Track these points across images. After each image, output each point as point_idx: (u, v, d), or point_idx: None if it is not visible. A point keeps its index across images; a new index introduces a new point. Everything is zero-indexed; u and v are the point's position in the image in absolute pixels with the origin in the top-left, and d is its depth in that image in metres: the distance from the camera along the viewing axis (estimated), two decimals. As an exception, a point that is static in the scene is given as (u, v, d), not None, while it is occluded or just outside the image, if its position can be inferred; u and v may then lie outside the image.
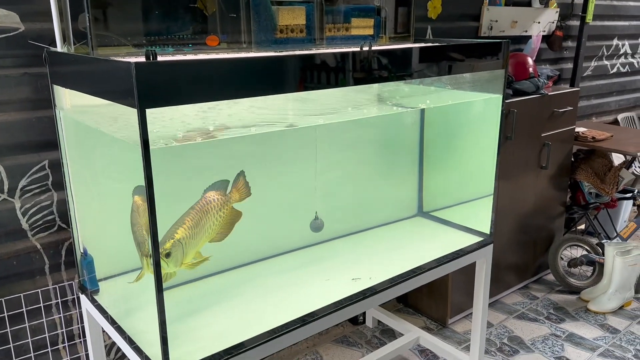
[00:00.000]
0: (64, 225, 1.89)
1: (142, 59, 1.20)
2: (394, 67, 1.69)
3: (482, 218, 2.20)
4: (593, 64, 4.00)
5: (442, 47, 1.81)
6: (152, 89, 1.18)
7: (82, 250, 1.76)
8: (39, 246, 1.86)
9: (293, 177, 1.96)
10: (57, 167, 1.83)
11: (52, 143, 1.80)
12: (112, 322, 1.60)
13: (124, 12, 1.59)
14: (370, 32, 2.09)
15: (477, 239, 2.18)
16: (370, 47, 1.66)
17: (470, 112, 2.23)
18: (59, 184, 1.85)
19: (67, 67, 1.51)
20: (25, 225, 1.82)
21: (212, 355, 1.43)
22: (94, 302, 1.74)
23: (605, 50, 4.06)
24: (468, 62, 1.91)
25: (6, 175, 1.75)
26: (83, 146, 1.65)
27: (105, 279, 1.77)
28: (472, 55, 1.91)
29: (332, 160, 2.06)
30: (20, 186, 1.78)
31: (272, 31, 1.83)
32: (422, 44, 1.94)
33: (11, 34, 1.67)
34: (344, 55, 1.55)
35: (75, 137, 1.65)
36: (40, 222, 1.85)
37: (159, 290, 1.29)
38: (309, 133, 1.84)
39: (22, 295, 1.84)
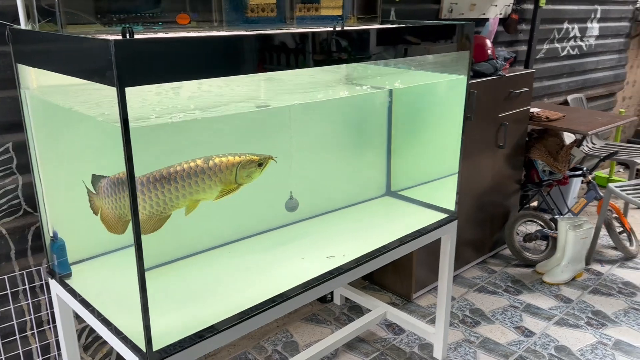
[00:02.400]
0: (30, 210, 1.85)
1: (117, 37, 1.18)
2: (367, 48, 1.72)
3: (446, 196, 2.27)
4: (545, 46, 4.15)
5: (413, 28, 1.85)
6: (131, 67, 1.16)
7: (51, 234, 1.72)
8: (4, 231, 1.81)
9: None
10: (21, 149, 1.78)
11: (15, 124, 1.74)
12: (87, 305, 1.58)
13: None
14: (339, 12, 2.11)
15: (442, 215, 2.25)
16: (342, 27, 1.68)
17: (435, 93, 2.29)
18: (24, 167, 1.79)
19: (36, 45, 1.46)
20: (-11, 210, 1.76)
21: (185, 339, 1.44)
22: (65, 286, 1.71)
23: (556, 34, 4.22)
24: (436, 43, 1.96)
25: (-32, 159, 1.69)
26: (52, 126, 1.61)
27: (78, 262, 1.74)
28: (440, 36, 1.96)
29: (304, 140, 2.08)
30: (-17, 170, 1.72)
31: (243, 10, 1.82)
32: (392, 25, 1.97)
33: (-30, 10, 1.60)
34: (322, 34, 1.57)
35: (43, 117, 1.61)
36: (5, 206, 1.79)
37: (141, 264, 1.29)
38: (282, 113, 1.85)
39: (-13, 282, 1.79)
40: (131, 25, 1.63)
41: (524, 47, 3.89)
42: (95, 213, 1.58)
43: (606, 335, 2.67)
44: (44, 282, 1.93)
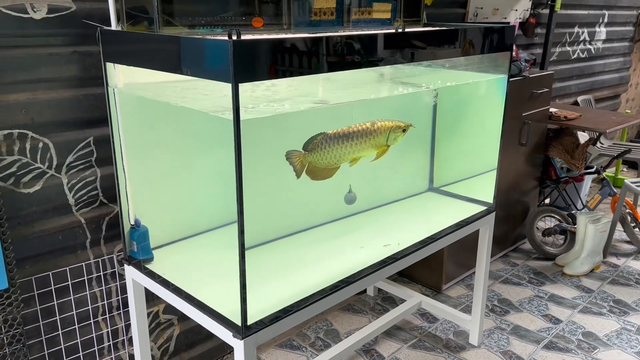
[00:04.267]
0: (105, 201, 1.96)
1: (222, 37, 1.30)
2: (427, 48, 1.85)
3: (484, 190, 2.41)
4: (558, 49, 4.32)
5: (466, 30, 1.98)
6: (245, 65, 1.28)
7: (133, 222, 1.83)
8: (82, 221, 1.92)
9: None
10: (101, 143, 1.89)
11: (97, 120, 1.85)
12: (174, 289, 1.70)
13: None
14: (388, 15, 2.25)
15: (480, 208, 2.39)
16: (404, 29, 1.81)
17: (475, 92, 2.42)
18: (103, 160, 1.90)
19: (135, 45, 1.58)
20: (71, 201, 1.87)
21: (272, 314, 1.56)
22: (142, 270, 1.82)
23: (568, 37, 4.39)
24: (483, 44, 2.09)
25: (55, 152, 1.79)
26: (142, 120, 1.72)
27: (159, 247, 1.86)
28: (486, 38, 2.10)
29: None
30: (67, 162, 1.83)
31: (308, 13, 1.95)
32: (448, 27, 2.11)
33: (63, 13, 1.71)
34: (424, 34, 1.69)
35: (133, 111, 1.72)
36: (85, 197, 1.90)
37: (242, 247, 1.41)
38: (344, 110, 1.98)
39: (67, 269, 1.90)
40: (211, 28, 1.75)
41: (539, 50, 4.05)
42: (299, 175, 1.74)
43: (629, 322, 2.82)
44: (116, 270, 2.04)
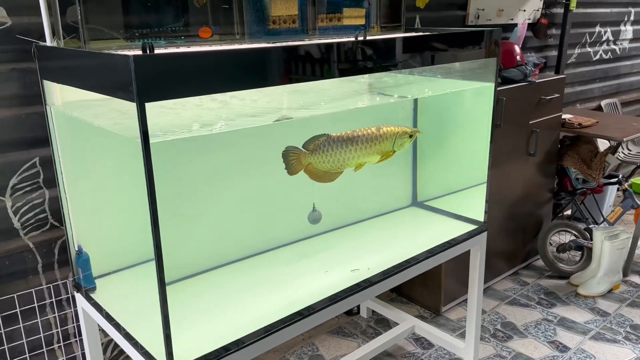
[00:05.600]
0: (56, 223, 1.86)
1: (137, 52, 1.17)
2: (393, 57, 1.68)
3: (475, 206, 2.21)
4: (577, 51, 4.04)
5: (439, 36, 1.81)
6: (151, 83, 1.15)
7: (76, 248, 1.73)
8: (31, 245, 1.83)
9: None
10: (48, 164, 1.80)
11: (42, 139, 1.76)
12: (110, 319, 1.58)
13: (113, 5, 1.56)
14: (362, 22, 2.08)
15: (471, 227, 2.19)
16: (365, 36, 1.65)
17: (461, 100, 2.23)
18: (51, 181, 1.81)
19: (59, 61, 1.48)
20: (17, 225, 1.78)
21: (210, 353, 1.42)
22: (89, 299, 1.72)
23: (588, 38, 4.11)
24: (464, 50, 1.91)
25: (-4, 174, 1.71)
26: (77, 142, 1.62)
27: (102, 276, 1.75)
28: (467, 43, 1.91)
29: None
30: (10, 184, 1.75)
31: (265, 22, 1.81)
32: (415, 34, 1.94)
33: (-2, 28, 1.63)
34: (346, 44, 1.54)
35: (69, 132, 1.62)
36: (32, 220, 1.81)
37: (162, 283, 1.28)
38: (307, 124, 1.83)
39: (15, 295, 1.81)
40: (153, 39, 1.63)
41: (554, 52, 3.80)
42: (293, 173, 1.69)
43: (646, 350, 2.55)
44: (70, 295, 1.94)
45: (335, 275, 1.81)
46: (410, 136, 1.80)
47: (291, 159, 1.67)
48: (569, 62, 3.98)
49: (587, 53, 4.16)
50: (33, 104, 1.73)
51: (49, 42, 1.58)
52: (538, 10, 3.45)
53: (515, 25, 3.31)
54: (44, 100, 1.64)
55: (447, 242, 2.07)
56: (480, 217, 2.20)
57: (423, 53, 1.79)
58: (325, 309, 1.66)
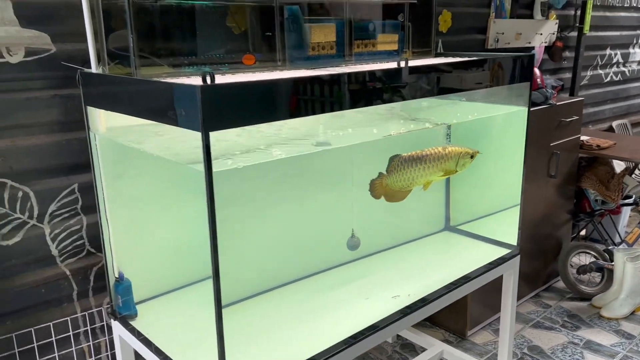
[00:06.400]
0: (92, 250, 1.84)
1: (192, 80, 1.17)
2: (433, 83, 1.69)
3: (507, 229, 2.21)
4: (589, 73, 4.09)
5: (476, 62, 1.82)
6: (216, 112, 1.15)
7: (117, 275, 1.70)
8: (67, 272, 1.80)
9: (328, 196, 1.94)
10: (86, 190, 1.78)
11: (81, 166, 1.75)
12: (150, 345, 1.55)
13: (160, 33, 1.57)
14: (395, 47, 2.10)
15: (503, 250, 2.18)
16: (406, 64, 1.66)
17: (492, 124, 2.24)
18: (89, 208, 1.80)
19: (109, 88, 1.47)
20: (54, 252, 1.76)
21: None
22: (127, 326, 1.69)
23: (599, 60, 4.15)
24: (498, 75, 1.92)
25: (36, 201, 1.69)
26: (122, 167, 1.61)
27: (142, 302, 1.73)
28: (501, 68, 1.92)
29: (363, 178, 2.05)
30: (49, 211, 1.73)
31: (305, 49, 1.82)
32: (456, 59, 1.95)
33: (42, 55, 1.62)
34: (395, 71, 1.55)
35: (113, 158, 1.61)
36: (70, 247, 1.79)
37: (218, 304, 1.26)
38: (345, 152, 1.83)
39: (51, 324, 1.78)
40: (198, 67, 1.64)
41: (568, 75, 3.83)
42: (377, 197, 1.79)
43: (677, 374, 2.53)
44: (104, 323, 1.91)
45: (376, 302, 1.79)
46: (472, 157, 1.86)
47: (375, 184, 1.77)
48: (581, 83, 4.02)
49: (599, 75, 4.21)
50: (73, 130, 1.72)
51: (94, 68, 1.57)
52: (553, 33, 3.49)
53: (532, 48, 3.35)
54: (87, 126, 1.63)
55: (482, 267, 2.05)
56: (513, 241, 2.20)
57: (462, 77, 1.80)
58: (370, 336, 1.64)
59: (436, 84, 1.71)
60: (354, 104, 1.44)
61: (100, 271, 1.87)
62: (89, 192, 1.78)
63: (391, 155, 1.78)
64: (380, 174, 1.77)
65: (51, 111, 1.67)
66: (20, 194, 1.66)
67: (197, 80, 1.32)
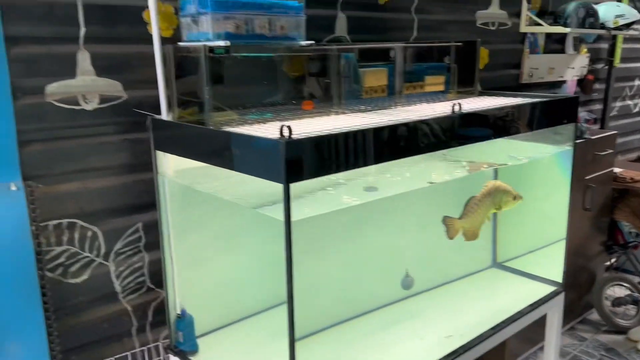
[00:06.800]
0: (152, 286, 1.90)
1: (265, 129, 1.23)
2: (487, 126, 1.75)
3: (552, 265, 2.24)
4: (618, 104, 4.12)
5: (527, 105, 1.88)
6: (297, 165, 1.22)
7: (179, 312, 1.76)
8: (129, 308, 1.86)
9: (380, 237, 1.99)
10: (149, 228, 1.85)
11: (146, 205, 1.82)
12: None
13: (227, 82, 1.64)
14: (442, 88, 2.16)
15: (548, 288, 2.21)
16: (460, 108, 1.72)
17: (537, 164, 2.28)
18: (150, 245, 1.86)
19: (183, 136, 1.54)
20: (118, 288, 1.82)
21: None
22: (186, 361, 1.74)
23: (628, 91, 4.19)
24: (546, 117, 1.97)
25: (103, 239, 1.76)
26: (189, 208, 1.68)
27: (202, 335, 1.78)
28: (549, 110, 1.98)
29: (415, 220, 2.10)
30: (115, 249, 1.79)
31: (359, 92, 1.89)
32: (503, 99, 2.01)
33: (114, 102, 1.71)
34: (482, 115, 1.62)
35: (180, 199, 1.68)
36: (132, 284, 1.85)
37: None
38: (399, 198, 1.88)
39: (113, 359, 1.83)
40: (261, 112, 1.71)
41: (599, 106, 3.87)
42: (452, 237, 1.88)
43: None
44: (161, 357, 1.96)
45: (429, 341, 1.82)
46: (514, 198, 1.96)
47: (448, 224, 1.87)
48: (611, 115, 4.06)
49: (627, 106, 4.24)
50: (139, 172, 1.79)
51: (164, 114, 1.65)
52: (585, 67, 3.54)
53: (565, 81, 3.40)
54: (155, 169, 1.70)
55: (528, 306, 2.08)
56: (557, 277, 2.22)
57: (513, 121, 1.86)
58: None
59: (492, 127, 1.77)
60: (423, 150, 1.50)
61: (158, 306, 1.93)
62: (152, 230, 1.85)
63: (463, 198, 1.88)
64: (451, 218, 1.86)
65: (120, 154, 1.75)
66: (89, 233, 1.73)
67: (271, 130, 1.39)
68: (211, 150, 1.44)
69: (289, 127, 1.26)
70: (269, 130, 1.45)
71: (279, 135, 1.24)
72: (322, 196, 1.57)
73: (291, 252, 1.26)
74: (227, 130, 1.44)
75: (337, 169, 1.30)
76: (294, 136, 1.23)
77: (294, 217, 1.29)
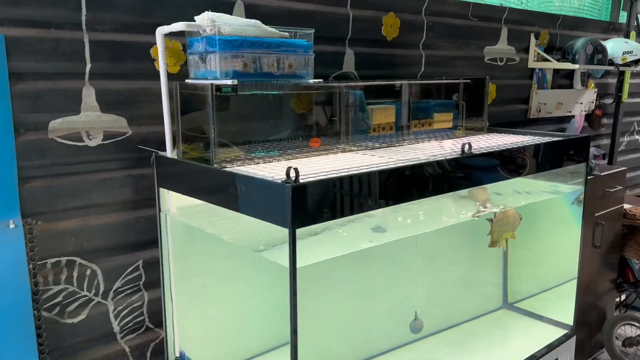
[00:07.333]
0: (151, 326, 1.84)
1: (271, 170, 1.20)
2: (498, 167, 1.71)
3: (563, 306, 2.18)
4: (626, 139, 4.09)
5: (538, 146, 1.84)
6: (304, 209, 1.18)
7: (178, 354, 1.70)
8: (127, 349, 1.80)
9: (391, 280, 1.94)
10: (150, 266, 1.80)
11: (147, 243, 1.78)
12: None
13: (233, 119, 1.62)
14: (450, 125, 2.13)
15: (560, 331, 2.15)
16: (470, 147, 1.69)
17: (549, 203, 2.24)
18: (150, 284, 1.81)
19: (189, 174, 1.51)
20: (116, 328, 1.77)
21: None
22: (186, 409, 1.68)
23: (635, 126, 4.16)
24: (557, 157, 1.94)
25: (102, 278, 1.72)
26: (192, 247, 1.64)
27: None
28: (560, 150, 1.94)
29: (423, 261, 2.05)
30: (114, 288, 1.75)
31: (367, 130, 1.86)
32: (512, 137, 1.98)
33: (119, 138, 1.68)
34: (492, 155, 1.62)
35: (183, 238, 1.64)
36: (131, 323, 1.80)
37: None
38: (406, 242, 1.84)
39: (110, 402, 1.77)
40: (267, 150, 1.68)
41: (606, 141, 3.84)
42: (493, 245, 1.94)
43: None
44: (159, 400, 1.89)
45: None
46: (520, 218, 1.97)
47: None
48: (619, 150, 4.02)
49: (635, 141, 4.20)
50: (141, 208, 1.76)
51: (169, 151, 1.62)
52: (593, 102, 3.52)
53: (573, 117, 3.38)
54: (158, 207, 1.67)
55: (539, 350, 2.01)
56: (569, 320, 2.16)
57: (523, 161, 1.82)
58: None
59: (502, 168, 1.73)
60: (432, 193, 1.46)
61: (156, 347, 1.87)
62: (152, 268, 1.80)
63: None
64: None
65: (123, 190, 1.71)
66: (88, 271, 1.69)
67: (277, 170, 1.36)
68: (215, 190, 1.41)
69: (295, 170, 1.23)
70: (275, 170, 1.42)
71: (285, 178, 1.20)
72: (329, 237, 1.53)
73: (296, 299, 1.21)
74: (232, 171, 1.40)
75: (344, 214, 1.26)
76: (301, 179, 1.20)
77: (300, 264, 1.25)
